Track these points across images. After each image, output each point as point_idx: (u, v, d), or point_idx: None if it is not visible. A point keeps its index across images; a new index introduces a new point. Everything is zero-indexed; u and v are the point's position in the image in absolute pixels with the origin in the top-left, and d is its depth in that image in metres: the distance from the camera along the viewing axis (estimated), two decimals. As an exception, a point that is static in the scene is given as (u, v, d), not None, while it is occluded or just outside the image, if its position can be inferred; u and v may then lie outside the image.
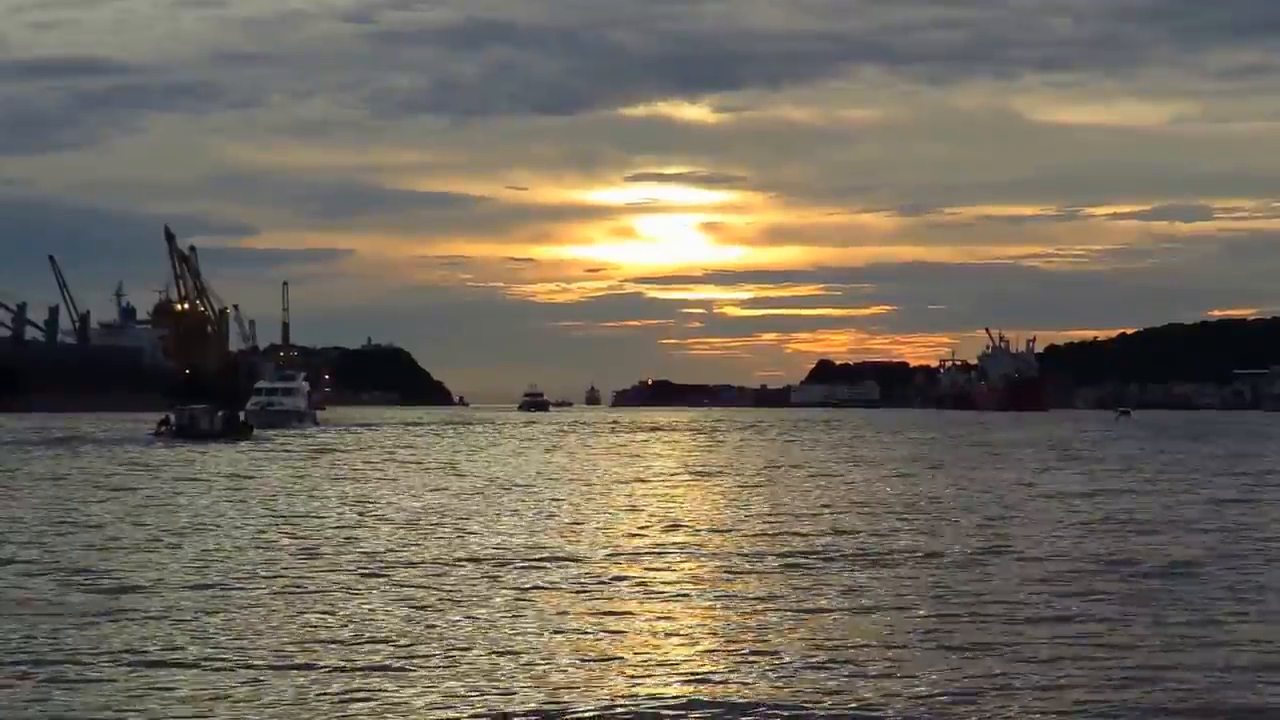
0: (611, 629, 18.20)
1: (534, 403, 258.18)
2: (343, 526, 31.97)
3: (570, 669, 15.65)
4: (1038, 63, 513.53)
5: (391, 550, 26.94)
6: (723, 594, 21.37)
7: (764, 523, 32.97)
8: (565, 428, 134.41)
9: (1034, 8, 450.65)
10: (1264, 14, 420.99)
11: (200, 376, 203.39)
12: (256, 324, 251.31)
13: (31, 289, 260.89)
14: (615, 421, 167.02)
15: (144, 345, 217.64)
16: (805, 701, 14.23)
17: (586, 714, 13.65)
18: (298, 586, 21.82)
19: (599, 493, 42.82)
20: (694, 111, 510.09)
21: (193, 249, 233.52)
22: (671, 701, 14.17)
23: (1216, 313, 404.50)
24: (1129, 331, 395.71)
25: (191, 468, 56.31)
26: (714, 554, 26.66)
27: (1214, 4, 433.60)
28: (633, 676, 15.29)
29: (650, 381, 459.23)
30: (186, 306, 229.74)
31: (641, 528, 31.55)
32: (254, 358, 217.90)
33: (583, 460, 65.02)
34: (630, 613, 19.47)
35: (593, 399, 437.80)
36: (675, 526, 31.95)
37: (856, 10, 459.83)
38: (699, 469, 58.00)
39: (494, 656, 16.31)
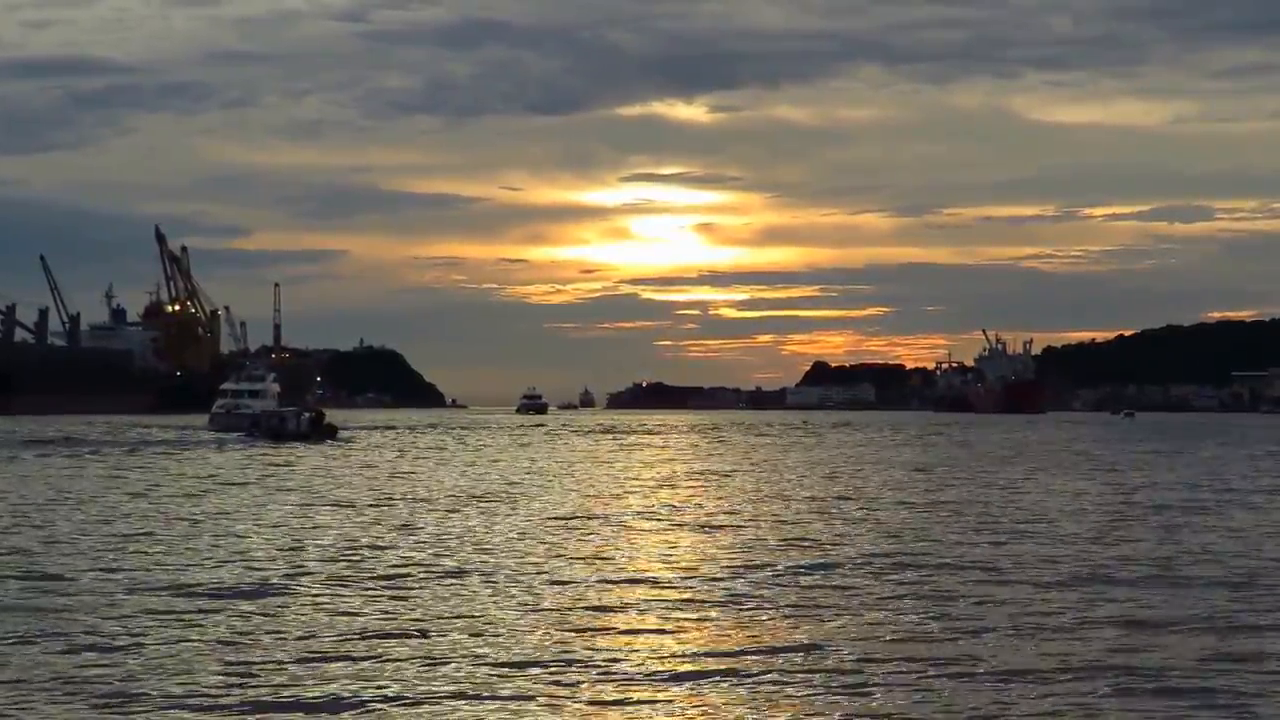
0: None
1: (533, 405, 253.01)
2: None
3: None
4: (1037, 62, 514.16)
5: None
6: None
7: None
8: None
9: (1033, 7, 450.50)
10: (1264, 14, 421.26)
11: (191, 378, 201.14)
12: (248, 326, 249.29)
13: (21, 290, 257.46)
14: (662, 424, 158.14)
15: (134, 347, 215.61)
16: None
17: None
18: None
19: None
20: (689, 111, 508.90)
21: (184, 250, 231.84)
22: None
23: (1215, 314, 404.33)
24: (1127, 333, 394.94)
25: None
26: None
27: (1214, 4, 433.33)
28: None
29: (645, 383, 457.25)
30: (177, 308, 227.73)
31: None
32: (245, 360, 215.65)
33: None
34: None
35: (587, 401, 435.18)
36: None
37: (855, 9, 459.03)
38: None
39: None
